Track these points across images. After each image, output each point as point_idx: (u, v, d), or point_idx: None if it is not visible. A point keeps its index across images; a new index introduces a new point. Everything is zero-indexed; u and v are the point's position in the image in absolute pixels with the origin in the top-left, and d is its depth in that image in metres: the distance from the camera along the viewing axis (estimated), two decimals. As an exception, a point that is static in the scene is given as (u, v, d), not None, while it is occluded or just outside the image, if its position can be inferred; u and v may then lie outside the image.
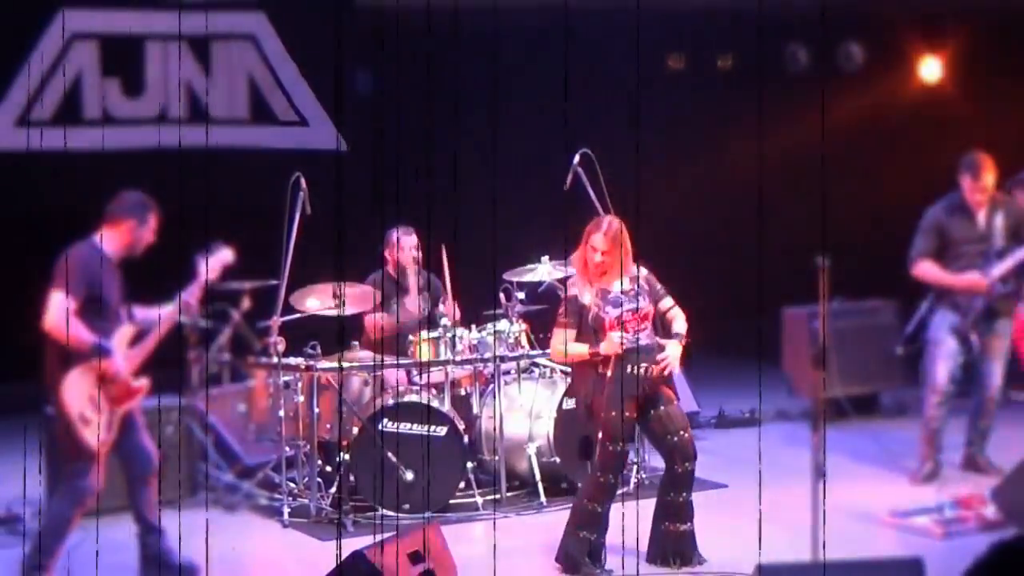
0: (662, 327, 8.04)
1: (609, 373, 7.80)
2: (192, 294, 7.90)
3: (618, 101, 13.78)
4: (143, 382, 7.76)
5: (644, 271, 8.04)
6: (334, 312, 9.36)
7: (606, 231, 7.93)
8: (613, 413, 7.82)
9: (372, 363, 9.58)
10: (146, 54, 12.89)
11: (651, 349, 7.90)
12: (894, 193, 12.23)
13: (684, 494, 8.02)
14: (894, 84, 13.92)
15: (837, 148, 13.82)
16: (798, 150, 13.48)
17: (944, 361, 9.68)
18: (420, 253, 10.04)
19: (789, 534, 6.99)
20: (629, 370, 7.82)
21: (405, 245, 10.00)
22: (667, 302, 8.09)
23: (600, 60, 13.59)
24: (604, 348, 7.81)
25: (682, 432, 7.97)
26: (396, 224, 10.06)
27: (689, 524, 8.03)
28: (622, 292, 7.89)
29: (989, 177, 9.57)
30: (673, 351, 7.96)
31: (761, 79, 13.64)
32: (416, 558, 7.11)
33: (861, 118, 13.63)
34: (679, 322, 8.09)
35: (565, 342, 7.95)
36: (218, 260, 7.98)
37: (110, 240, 7.72)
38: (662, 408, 7.95)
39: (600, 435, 7.89)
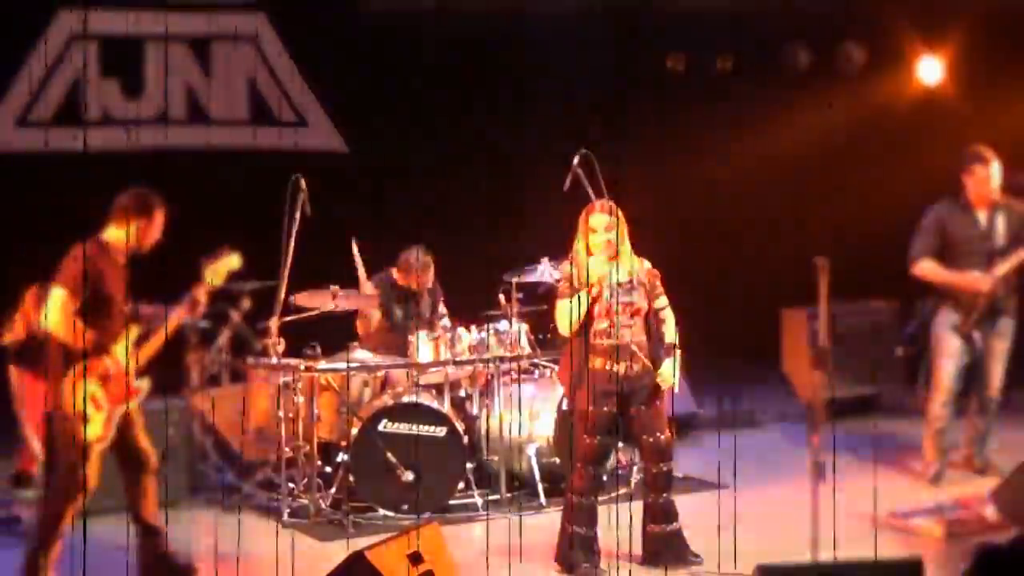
0: (655, 325, 8.01)
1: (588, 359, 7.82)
2: (198, 296, 7.90)
3: (616, 101, 13.79)
4: (143, 382, 7.77)
5: (648, 264, 8.03)
6: (343, 307, 9.46)
7: (602, 208, 7.93)
8: (591, 408, 7.84)
9: (372, 364, 9.60)
10: (146, 54, 12.89)
11: (636, 347, 7.89)
12: (894, 193, 12.23)
13: (664, 495, 8.02)
14: (894, 85, 13.92)
15: (837, 148, 13.85)
16: (798, 150, 13.55)
17: (949, 361, 9.67)
18: (432, 271, 10.06)
19: (789, 534, 6.99)
20: (611, 366, 7.83)
21: (423, 269, 9.98)
22: (662, 301, 8.04)
23: (600, 61, 13.59)
24: (591, 274, 7.81)
25: (659, 433, 7.96)
26: (409, 245, 10.06)
27: (675, 524, 8.03)
28: (618, 284, 7.88)
29: (994, 170, 9.58)
30: (667, 369, 7.95)
31: (762, 79, 13.71)
32: (416, 559, 7.11)
33: (861, 119, 13.64)
34: (670, 327, 8.02)
35: (570, 309, 7.88)
36: (224, 264, 7.97)
37: (116, 238, 7.72)
38: (643, 407, 7.95)
39: (579, 427, 7.92)
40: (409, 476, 9.12)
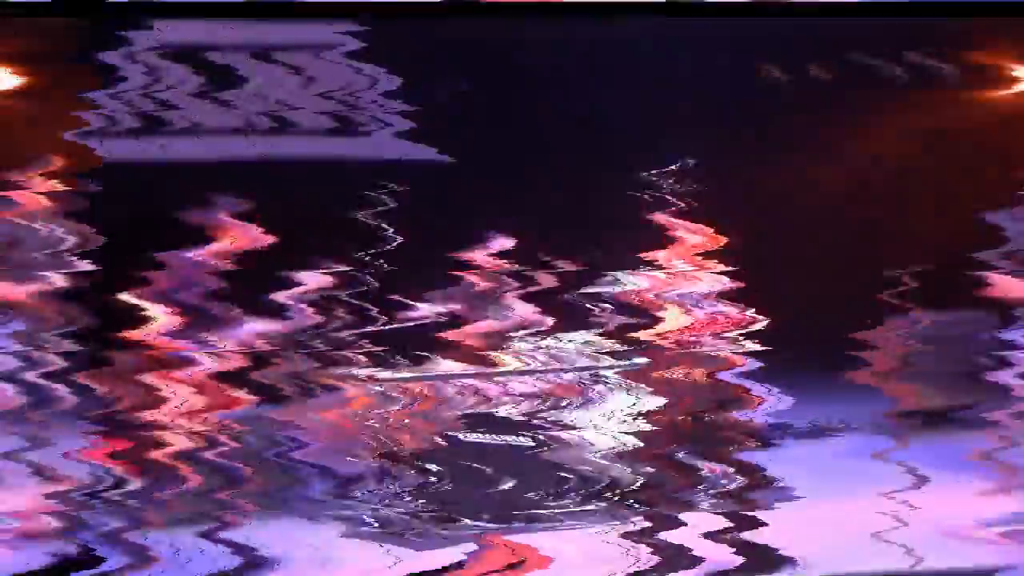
0: None
1: None
2: None
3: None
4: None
5: None
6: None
7: None
8: None
9: (457, 372, 9.63)
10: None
11: None
12: (983, 205, 12.12)
13: None
14: (989, 97, 13.82)
15: (928, 161, 13.75)
16: (891, 162, 13.47)
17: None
18: None
19: (863, 544, 6.95)
20: None
21: None
22: None
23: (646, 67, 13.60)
24: None
25: None
26: None
27: None
28: None
29: None
30: None
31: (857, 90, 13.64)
32: (502, 570, 7.15)
33: (957, 130, 13.55)
34: None
35: None
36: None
37: None
38: None
39: None
40: (494, 485, 9.15)
